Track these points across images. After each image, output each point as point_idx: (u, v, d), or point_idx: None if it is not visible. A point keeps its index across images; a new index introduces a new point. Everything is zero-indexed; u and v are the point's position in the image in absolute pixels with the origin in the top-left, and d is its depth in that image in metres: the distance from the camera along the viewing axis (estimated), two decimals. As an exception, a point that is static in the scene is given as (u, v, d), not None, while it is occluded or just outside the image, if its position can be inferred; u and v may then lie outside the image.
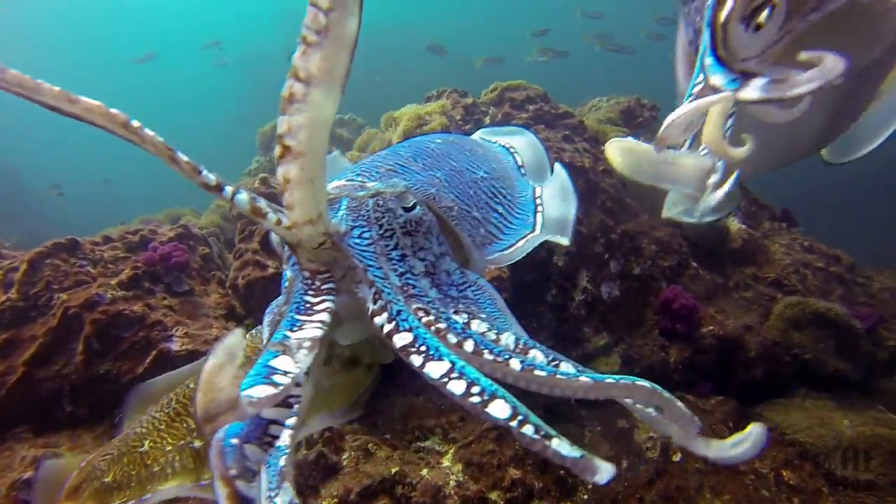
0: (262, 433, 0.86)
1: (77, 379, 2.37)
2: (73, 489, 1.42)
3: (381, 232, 1.06)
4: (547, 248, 3.21)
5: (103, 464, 1.45)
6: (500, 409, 0.81)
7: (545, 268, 3.19)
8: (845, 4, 1.09)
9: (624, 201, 3.99)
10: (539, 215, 1.44)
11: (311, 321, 0.88)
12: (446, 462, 2.62)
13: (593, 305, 3.38)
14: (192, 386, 1.63)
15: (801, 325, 3.66)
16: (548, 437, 0.81)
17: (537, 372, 0.91)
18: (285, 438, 0.85)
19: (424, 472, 2.55)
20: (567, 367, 1.00)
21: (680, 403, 1.00)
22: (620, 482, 2.75)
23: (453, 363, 0.84)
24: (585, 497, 2.69)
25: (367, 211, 1.06)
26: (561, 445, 0.81)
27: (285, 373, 0.77)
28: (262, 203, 0.92)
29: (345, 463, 2.44)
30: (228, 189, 0.88)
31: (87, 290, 2.58)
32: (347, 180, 1.18)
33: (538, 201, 1.52)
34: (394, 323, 0.91)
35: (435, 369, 0.83)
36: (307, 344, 0.83)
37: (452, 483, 2.53)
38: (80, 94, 0.76)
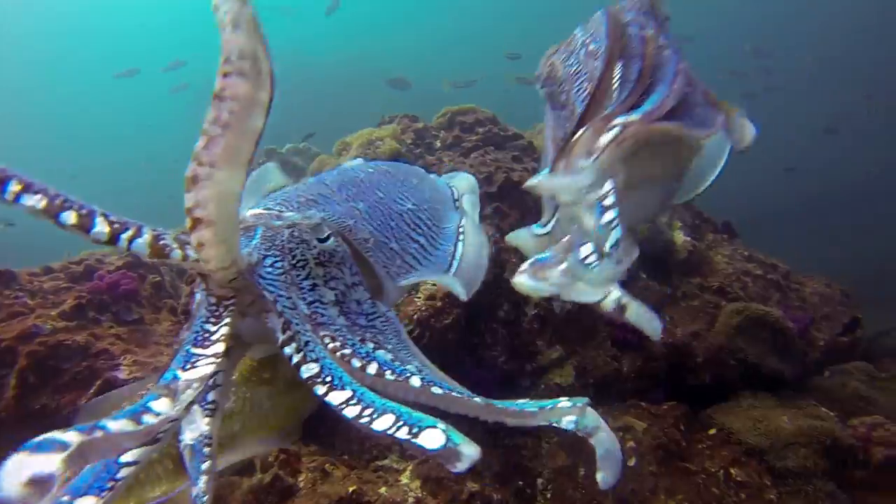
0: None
1: (8, 417, 2.27)
2: None
3: (293, 262, 1.09)
4: (499, 263, 3.28)
5: None
6: (384, 422, 0.81)
7: (497, 284, 3.25)
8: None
9: (573, 218, 4.13)
10: (459, 245, 1.47)
11: (206, 355, 0.91)
12: (404, 479, 2.62)
13: (546, 319, 3.45)
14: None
15: (744, 330, 3.82)
16: (416, 435, 0.78)
17: (434, 389, 0.96)
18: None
19: (383, 490, 2.54)
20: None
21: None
22: (578, 489, 2.79)
23: (354, 391, 0.88)
24: (544, 506, 2.72)
25: (282, 241, 1.09)
26: (425, 439, 0.76)
27: (157, 414, 0.80)
28: (167, 240, 0.93)
29: (301, 485, 2.40)
30: (123, 238, 0.88)
31: (22, 322, 2.50)
32: (266, 209, 1.19)
33: (461, 236, 1.54)
34: (301, 354, 0.95)
35: (336, 398, 0.88)
36: (195, 385, 0.86)
37: (411, 500, 2.52)
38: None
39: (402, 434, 0.78)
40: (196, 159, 0.70)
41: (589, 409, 1.01)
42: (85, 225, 0.84)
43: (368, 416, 0.82)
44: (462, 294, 1.33)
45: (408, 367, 1.04)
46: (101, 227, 0.86)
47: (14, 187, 0.80)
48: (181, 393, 0.85)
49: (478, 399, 0.95)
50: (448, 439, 0.75)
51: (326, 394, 0.89)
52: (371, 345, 1.07)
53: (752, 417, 3.34)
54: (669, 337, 3.63)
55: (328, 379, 0.91)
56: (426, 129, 4.46)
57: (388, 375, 0.97)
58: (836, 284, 4.93)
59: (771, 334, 3.80)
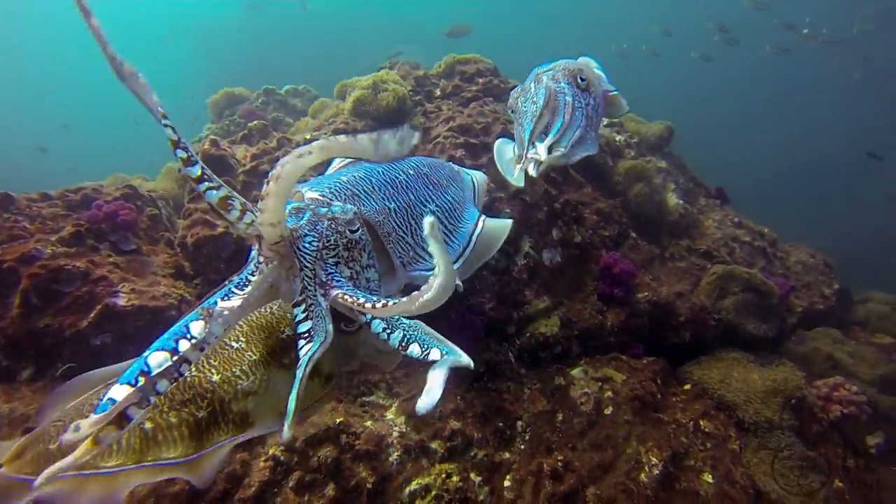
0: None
1: (13, 332, 2.34)
2: (16, 452, 1.37)
3: (325, 244, 1.38)
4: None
5: (52, 430, 1.40)
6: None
7: (490, 233, 3.31)
8: None
9: (569, 173, 4.15)
10: (469, 247, 1.85)
11: (241, 294, 1.23)
12: (390, 415, 2.74)
13: (535, 270, 3.53)
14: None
15: (727, 292, 3.94)
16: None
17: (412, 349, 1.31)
18: None
19: (369, 423, 2.66)
20: (435, 353, 1.30)
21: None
22: (556, 433, 2.93)
23: (313, 345, 1.26)
24: (522, 447, 2.86)
25: (322, 228, 1.39)
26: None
27: (192, 338, 1.15)
28: (234, 201, 1.28)
29: (291, 414, 2.52)
30: (202, 186, 1.25)
31: (23, 245, 2.53)
32: (320, 194, 1.49)
33: (473, 237, 1.94)
34: (305, 314, 1.29)
35: (304, 350, 1.26)
36: (226, 313, 1.17)
37: (395, 433, 2.65)
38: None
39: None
40: (295, 154, 1.09)
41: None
42: (188, 162, 1.19)
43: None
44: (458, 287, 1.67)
45: (396, 332, 1.36)
46: (196, 170, 1.20)
47: (182, 154, 1.18)
48: (216, 318, 1.16)
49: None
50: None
51: (301, 347, 1.25)
52: (370, 315, 1.35)
53: (726, 374, 3.48)
54: (654, 295, 3.73)
55: (312, 336, 1.26)
56: (426, 77, 4.41)
57: (376, 324, 1.35)
58: (820, 255, 5.04)
59: (753, 296, 3.92)
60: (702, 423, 3.20)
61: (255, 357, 1.48)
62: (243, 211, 1.25)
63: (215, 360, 1.48)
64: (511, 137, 2.88)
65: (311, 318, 1.28)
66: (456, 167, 2.43)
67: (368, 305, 1.21)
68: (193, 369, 1.44)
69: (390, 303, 1.16)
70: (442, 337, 1.34)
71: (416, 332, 1.33)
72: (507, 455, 2.80)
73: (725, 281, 3.98)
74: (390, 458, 2.54)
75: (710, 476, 2.94)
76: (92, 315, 2.46)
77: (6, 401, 2.27)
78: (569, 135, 2.45)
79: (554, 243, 3.71)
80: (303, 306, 1.29)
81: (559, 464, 2.75)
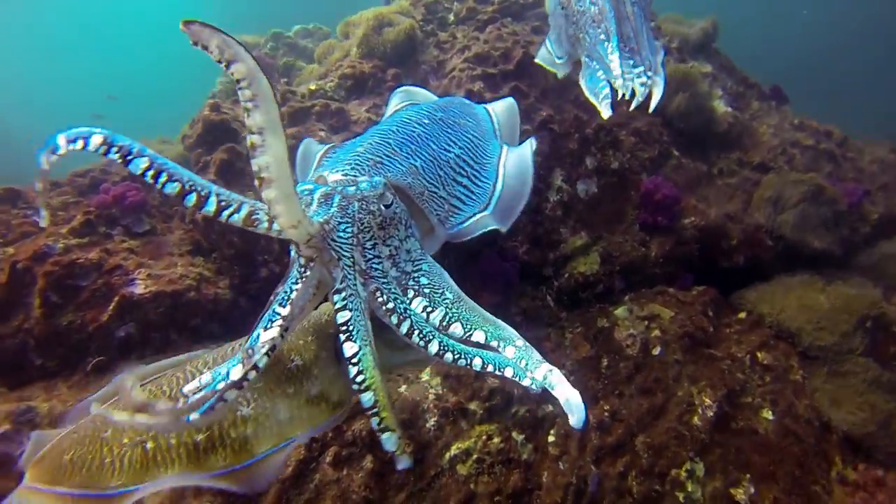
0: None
1: (40, 332, 2.33)
2: (39, 459, 1.39)
3: (361, 227, 1.32)
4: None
5: (67, 441, 1.41)
6: (367, 399, 1.18)
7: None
8: None
9: (600, 92, 3.76)
10: (499, 181, 1.76)
11: (284, 315, 1.19)
12: (424, 377, 2.65)
13: (569, 205, 3.27)
14: (170, 379, 1.52)
15: (783, 204, 3.57)
16: (382, 430, 1.21)
17: (447, 356, 1.21)
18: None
19: (403, 388, 2.58)
20: (479, 335, 1.24)
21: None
22: (601, 380, 2.79)
23: (360, 348, 1.19)
24: (565, 397, 2.73)
25: (353, 211, 1.32)
26: (387, 441, 1.22)
27: (234, 383, 1.17)
28: (259, 214, 1.21)
29: (323, 387, 2.46)
30: (225, 213, 1.19)
31: (34, 242, 2.49)
32: (343, 174, 1.44)
33: (501, 169, 1.83)
34: (344, 303, 1.24)
35: (348, 348, 1.20)
36: (264, 349, 1.16)
37: (431, 396, 2.56)
38: None
39: (374, 423, 1.18)
40: (249, 129, 0.97)
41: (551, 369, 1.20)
42: (201, 203, 1.14)
43: (358, 384, 1.18)
44: (501, 227, 1.64)
45: (432, 317, 1.28)
46: (211, 205, 1.16)
47: (163, 179, 1.12)
48: (253, 356, 1.16)
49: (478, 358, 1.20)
50: None
51: (343, 342, 1.19)
52: (412, 292, 1.33)
53: (786, 298, 3.21)
54: (702, 219, 3.42)
55: (349, 329, 1.20)
56: (437, 3, 4.00)
57: (415, 337, 1.24)
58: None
59: (814, 206, 3.54)
60: (759, 355, 2.97)
61: (258, 385, 1.43)
62: (271, 219, 1.20)
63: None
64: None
65: (350, 309, 1.23)
66: (466, 101, 2.30)
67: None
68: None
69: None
70: (488, 315, 1.29)
71: (459, 311, 1.28)
72: (551, 408, 2.68)
73: (780, 191, 3.60)
74: (427, 425, 2.47)
75: (770, 412, 2.76)
76: (111, 308, 2.42)
77: (45, 399, 2.29)
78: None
79: (588, 173, 3.41)
80: (342, 294, 1.25)
81: (606, 414, 2.62)
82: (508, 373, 1.16)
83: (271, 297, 1.29)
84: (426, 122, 1.76)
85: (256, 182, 1.01)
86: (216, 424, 1.34)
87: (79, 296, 2.42)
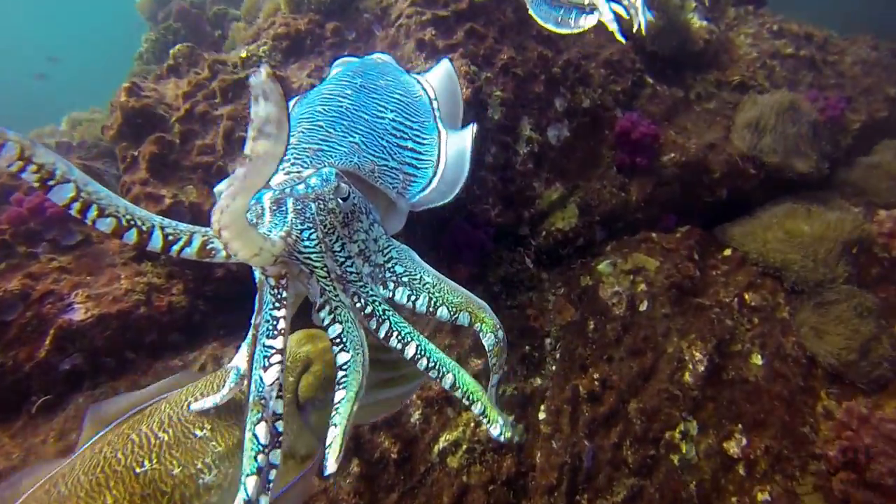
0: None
1: (-30, 381, 2.11)
2: None
3: (325, 230, 1.19)
4: (479, 101, 2.74)
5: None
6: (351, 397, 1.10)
7: (479, 126, 2.76)
8: None
9: (565, 20, 3.39)
10: (443, 134, 1.59)
11: (276, 348, 1.07)
12: (405, 368, 2.50)
13: (541, 155, 3.02)
14: (147, 425, 1.34)
15: (762, 128, 3.35)
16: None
17: (422, 361, 1.14)
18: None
19: (383, 383, 2.45)
20: (464, 317, 1.22)
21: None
22: (588, 345, 2.68)
23: (352, 356, 1.12)
24: (554, 368, 2.63)
25: (312, 214, 1.19)
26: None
27: (266, 448, 1.05)
28: (214, 243, 1.08)
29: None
30: (175, 248, 1.03)
31: (-58, 280, 2.20)
32: (285, 172, 1.29)
33: (439, 123, 1.67)
34: (331, 316, 1.16)
35: (341, 358, 1.12)
36: (274, 393, 1.06)
37: (415, 417, 2.43)
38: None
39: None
40: (225, 197, 0.81)
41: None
42: (144, 241, 0.98)
43: (349, 388, 1.09)
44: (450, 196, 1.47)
45: (418, 304, 1.23)
46: (157, 241, 1.01)
47: (93, 214, 0.94)
48: (269, 401, 1.05)
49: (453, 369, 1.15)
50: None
51: (337, 353, 1.12)
52: (391, 284, 1.24)
53: (769, 231, 3.07)
54: (682, 155, 3.20)
55: (341, 342, 1.13)
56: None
57: (393, 339, 1.15)
58: (886, 44, 4.22)
59: (792, 125, 3.34)
60: (747, 296, 2.88)
61: (220, 449, 1.31)
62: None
63: (177, 451, 1.31)
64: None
65: (341, 322, 1.16)
66: (379, 61, 2.03)
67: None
68: (154, 460, 1.28)
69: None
70: (470, 294, 1.25)
71: (442, 294, 1.23)
72: (539, 381, 2.59)
73: (757, 114, 3.37)
74: (412, 419, 2.36)
75: (759, 356, 2.70)
76: (47, 342, 2.18)
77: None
78: None
79: (559, 116, 3.13)
80: (326, 308, 1.17)
81: (596, 383, 2.53)
82: (476, 408, 1.11)
83: (251, 331, 1.15)
84: (349, 92, 1.59)
85: (214, 229, 0.87)
86: (178, 497, 1.19)
87: (6, 334, 2.17)
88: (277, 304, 1.09)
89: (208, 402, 1.24)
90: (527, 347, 2.67)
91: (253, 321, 1.12)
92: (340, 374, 1.10)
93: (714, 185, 3.26)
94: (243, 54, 2.97)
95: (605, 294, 2.82)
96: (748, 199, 3.35)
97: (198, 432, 1.31)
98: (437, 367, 1.11)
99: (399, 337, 1.14)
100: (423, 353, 1.12)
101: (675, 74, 3.65)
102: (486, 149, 2.83)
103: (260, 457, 1.03)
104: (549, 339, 2.73)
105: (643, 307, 2.76)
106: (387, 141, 1.49)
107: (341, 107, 1.52)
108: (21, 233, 2.46)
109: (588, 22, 2.25)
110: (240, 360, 1.24)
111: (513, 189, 2.94)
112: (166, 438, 1.29)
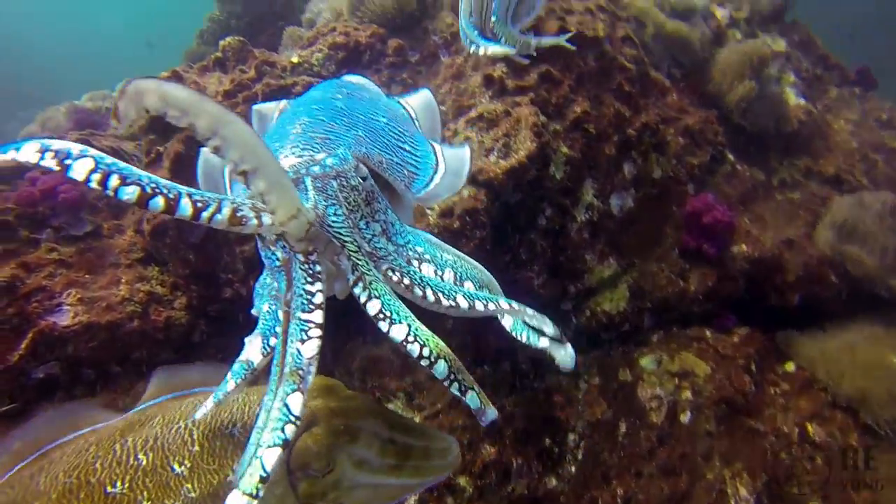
0: None
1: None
2: None
3: (349, 207, 1.18)
4: (543, 156, 2.45)
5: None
6: (441, 369, 1.00)
7: (538, 184, 2.48)
8: None
9: (647, 77, 3.08)
10: (436, 146, 1.57)
11: (314, 322, 1.02)
12: (407, 441, 2.22)
13: (599, 225, 2.71)
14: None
15: (857, 235, 2.97)
16: (463, 392, 1.00)
17: (478, 305, 1.07)
18: None
19: (379, 457, 2.16)
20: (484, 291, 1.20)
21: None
22: (616, 452, 2.35)
23: (409, 326, 1.03)
24: (573, 470, 2.31)
25: (334, 190, 1.18)
26: (470, 400, 1.00)
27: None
28: (244, 210, 0.98)
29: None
30: (204, 215, 0.92)
31: (-72, 258, 2.01)
32: (297, 156, 1.25)
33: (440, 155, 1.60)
34: (367, 292, 1.10)
35: (397, 332, 1.03)
36: (313, 366, 1.00)
37: (413, 468, 2.14)
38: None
39: (454, 389, 0.99)
40: (200, 138, 0.81)
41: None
42: (171, 208, 0.88)
43: (427, 359, 1.01)
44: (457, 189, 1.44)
45: (446, 276, 1.21)
46: (186, 209, 0.91)
47: (114, 182, 0.85)
48: (307, 375, 0.98)
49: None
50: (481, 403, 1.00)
51: (388, 330, 1.03)
52: (416, 262, 1.22)
53: (846, 355, 2.69)
54: (755, 250, 2.85)
55: (388, 314, 1.05)
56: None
57: (443, 300, 1.08)
58: None
59: (895, 238, 2.94)
60: (810, 428, 2.50)
61: (193, 495, 1.23)
62: (258, 213, 0.98)
63: (150, 482, 1.25)
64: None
65: (378, 296, 1.10)
66: (358, 79, 1.93)
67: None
68: (126, 484, 1.24)
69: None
70: (485, 270, 1.22)
71: (464, 268, 1.23)
72: (554, 482, 2.27)
73: (852, 217, 2.99)
74: (405, 507, 2.07)
75: (817, 505, 2.32)
76: (23, 345, 1.97)
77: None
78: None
79: (625, 184, 2.83)
80: (360, 285, 1.12)
81: (618, 500, 2.19)
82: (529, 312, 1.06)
83: (278, 313, 1.13)
84: (339, 97, 1.58)
85: (239, 179, 0.87)
86: None
87: (-17, 328, 1.97)
88: (310, 279, 1.06)
89: (209, 402, 1.16)
90: (547, 440, 2.35)
91: (283, 298, 1.07)
92: (412, 348, 1.02)
93: (786, 289, 2.89)
94: (294, 59, 2.75)
95: (645, 395, 2.49)
96: (823, 308, 2.97)
97: (176, 467, 1.25)
98: (490, 301, 1.08)
99: (445, 294, 1.10)
100: (473, 298, 1.09)
101: (759, 154, 3.30)
102: (540, 210, 2.54)
103: (288, 428, 0.96)
104: (574, 434, 2.41)
105: (685, 418, 2.42)
106: (386, 139, 1.48)
107: (337, 105, 1.52)
108: (27, 215, 2.27)
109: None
110: (252, 353, 1.16)
111: (562, 259, 2.64)
112: (144, 463, 1.24)
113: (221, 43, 2.82)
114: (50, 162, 0.87)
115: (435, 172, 1.52)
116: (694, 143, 3.05)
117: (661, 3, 3.22)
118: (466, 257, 1.27)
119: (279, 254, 1.12)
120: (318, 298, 1.05)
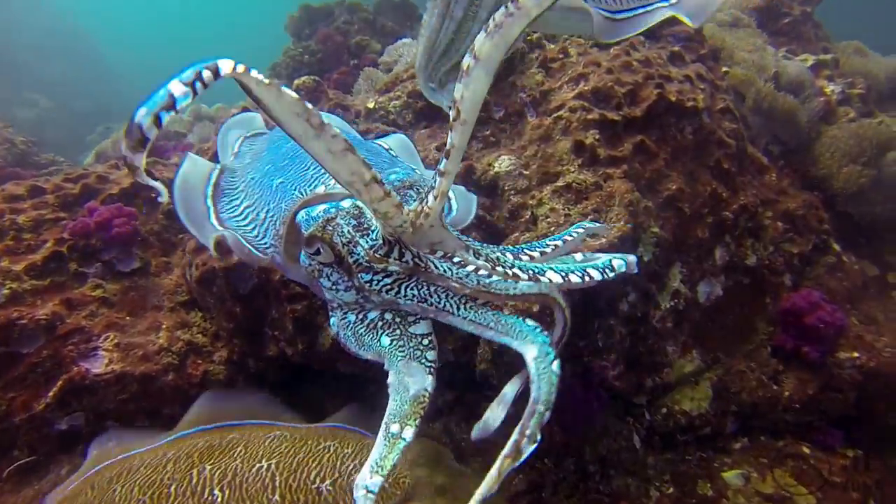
0: None
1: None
2: None
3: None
4: (633, 237, 2.20)
5: None
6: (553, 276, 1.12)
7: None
8: None
9: (745, 153, 2.82)
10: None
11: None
12: None
13: (684, 314, 2.42)
14: None
15: None
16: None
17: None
18: None
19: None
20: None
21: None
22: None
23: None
24: None
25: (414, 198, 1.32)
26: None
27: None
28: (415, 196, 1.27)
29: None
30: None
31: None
32: (395, 180, 1.39)
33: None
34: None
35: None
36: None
37: None
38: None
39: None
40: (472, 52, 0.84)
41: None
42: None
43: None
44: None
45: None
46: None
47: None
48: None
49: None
50: None
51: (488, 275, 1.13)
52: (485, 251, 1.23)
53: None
54: (868, 358, 2.48)
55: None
56: None
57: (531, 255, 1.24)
58: None
59: None
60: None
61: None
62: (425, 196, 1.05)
63: None
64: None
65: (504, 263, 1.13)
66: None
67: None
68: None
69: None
70: None
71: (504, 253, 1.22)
72: None
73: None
74: None
75: None
76: (51, 394, 1.80)
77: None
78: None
79: (716, 270, 2.53)
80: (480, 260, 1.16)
81: None
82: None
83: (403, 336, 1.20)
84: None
85: (452, 113, 0.87)
86: None
87: (15, 367, 1.82)
88: (453, 265, 1.17)
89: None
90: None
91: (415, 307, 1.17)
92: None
93: (902, 408, 2.50)
94: (370, 104, 2.61)
95: (730, 520, 2.13)
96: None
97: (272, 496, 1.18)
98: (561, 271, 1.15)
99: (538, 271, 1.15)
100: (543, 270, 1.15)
101: (869, 246, 2.96)
102: (624, 294, 2.27)
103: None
104: (642, 559, 2.06)
105: (780, 560, 2.05)
106: (396, 169, 1.54)
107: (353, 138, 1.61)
108: (79, 247, 2.15)
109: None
110: (415, 384, 1.14)
111: (642, 349, 2.34)
112: (219, 501, 1.20)
113: (296, 82, 2.72)
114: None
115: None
116: (794, 230, 2.75)
117: (766, 74, 2.97)
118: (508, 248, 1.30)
119: (394, 268, 1.16)
120: (473, 279, 1.13)
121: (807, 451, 2.38)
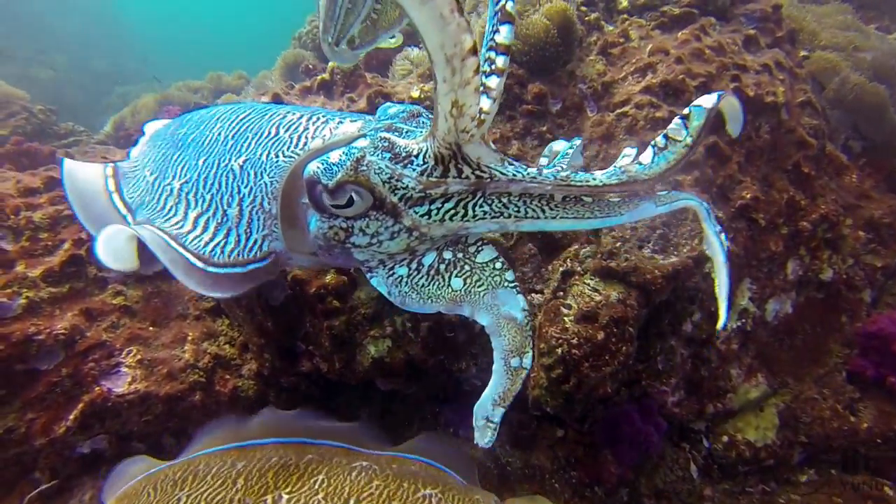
0: None
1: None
2: None
3: None
4: (696, 256, 1.97)
5: None
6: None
7: (692, 283, 2.00)
8: None
9: (823, 152, 2.54)
10: None
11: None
12: None
13: (751, 336, 2.20)
14: None
15: None
16: None
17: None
18: None
19: None
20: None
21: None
22: None
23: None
24: None
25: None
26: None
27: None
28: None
29: None
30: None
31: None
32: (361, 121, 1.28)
33: None
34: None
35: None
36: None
37: None
38: None
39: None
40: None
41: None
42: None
43: None
44: None
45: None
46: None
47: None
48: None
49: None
50: None
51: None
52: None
53: None
54: (956, 389, 2.25)
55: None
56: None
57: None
58: None
59: None
60: None
61: None
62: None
63: None
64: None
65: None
66: None
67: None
68: None
69: None
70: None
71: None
72: None
73: None
74: None
75: None
76: (72, 416, 1.67)
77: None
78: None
79: (787, 286, 2.30)
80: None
81: None
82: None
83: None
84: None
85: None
86: None
87: (30, 387, 1.68)
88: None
89: None
90: None
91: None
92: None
93: None
94: (415, 93, 2.38)
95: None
96: None
97: None
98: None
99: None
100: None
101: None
102: (689, 314, 2.05)
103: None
104: None
105: None
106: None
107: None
108: (98, 251, 1.98)
109: None
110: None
111: (704, 373, 2.14)
112: None
113: (330, 64, 2.49)
114: None
115: None
116: (879, 240, 2.48)
117: (852, 59, 2.65)
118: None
119: (455, 187, 1.07)
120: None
121: (890, 493, 2.17)
